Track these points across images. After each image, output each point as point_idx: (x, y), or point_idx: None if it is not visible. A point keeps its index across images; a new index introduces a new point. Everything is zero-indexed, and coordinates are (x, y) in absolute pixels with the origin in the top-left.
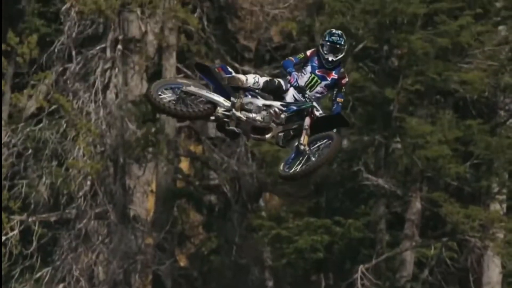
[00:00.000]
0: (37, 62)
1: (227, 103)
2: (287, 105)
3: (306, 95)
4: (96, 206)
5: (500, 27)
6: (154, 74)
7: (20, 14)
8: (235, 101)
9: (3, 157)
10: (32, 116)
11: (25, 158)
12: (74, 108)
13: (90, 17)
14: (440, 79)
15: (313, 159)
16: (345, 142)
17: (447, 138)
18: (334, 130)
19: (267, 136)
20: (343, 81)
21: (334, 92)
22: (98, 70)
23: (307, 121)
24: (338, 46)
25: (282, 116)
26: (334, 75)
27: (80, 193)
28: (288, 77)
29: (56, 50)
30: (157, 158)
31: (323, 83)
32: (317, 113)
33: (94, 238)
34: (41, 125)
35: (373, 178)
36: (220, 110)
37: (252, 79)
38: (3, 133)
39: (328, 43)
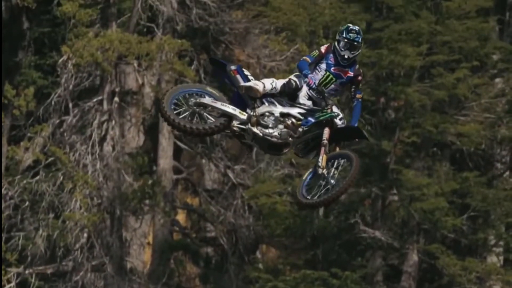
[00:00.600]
0: (33, 114)
1: (243, 116)
2: (305, 114)
3: (326, 95)
4: (93, 258)
5: (497, 80)
6: (151, 126)
7: (17, 66)
8: (251, 114)
9: None
10: (28, 169)
11: (22, 211)
12: (71, 160)
13: (87, 69)
14: (436, 131)
15: (333, 182)
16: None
17: (443, 190)
18: (350, 140)
19: (285, 151)
20: (359, 78)
21: (352, 89)
22: (95, 123)
23: (326, 133)
24: (355, 43)
25: (300, 129)
26: (350, 73)
27: (77, 245)
28: (306, 79)
29: (53, 102)
30: (153, 210)
31: (338, 81)
32: (337, 121)
33: None
34: (37, 177)
35: (370, 230)
36: (235, 123)
37: (269, 84)
38: None
39: (346, 40)
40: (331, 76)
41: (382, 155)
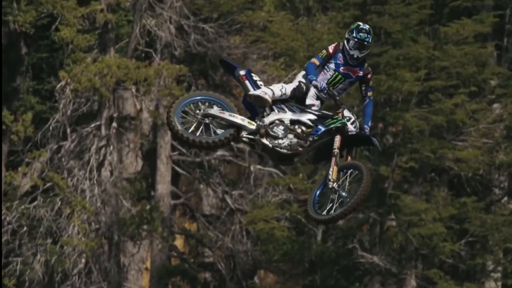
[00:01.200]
0: (32, 140)
1: (252, 126)
2: (316, 121)
3: (337, 98)
4: (91, 283)
5: (495, 105)
6: (149, 152)
7: (15, 92)
8: (260, 124)
9: None
10: (26, 194)
11: (20, 236)
12: (69, 185)
13: (85, 94)
14: (434, 156)
15: (344, 194)
16: (339, 220)
17: (441, 215)
18: (361, 146)
19: (296, 160)
20: (369, 76)
21: (362, 88)
22: (93, 148)
23: (337, 142)
24: (365, 43)
25: (310, 139)
26: (359, 72)
27: (75, 271)
28: (314, 83)
29: (51, 127)
30: (151, 235)
31: (347, 80)
32: (349, 126)
33: None
34: (35, 202)
35: (368, 255)
36: (244, 134)
37: (279, 91)
38: None
39: (356, 40)
40: (340, 76)
41: (380, 180)
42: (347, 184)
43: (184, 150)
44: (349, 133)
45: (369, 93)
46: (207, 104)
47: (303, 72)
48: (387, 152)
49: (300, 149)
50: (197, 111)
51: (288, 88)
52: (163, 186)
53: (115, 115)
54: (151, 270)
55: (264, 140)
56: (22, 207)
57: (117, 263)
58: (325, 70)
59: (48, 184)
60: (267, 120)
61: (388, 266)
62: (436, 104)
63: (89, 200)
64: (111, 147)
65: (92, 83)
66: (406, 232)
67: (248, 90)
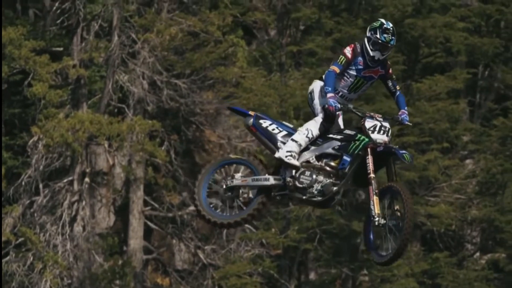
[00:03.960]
0: (4, 195)
1: (279, 182)
2: (340, 148)
3: (355, 111)
4: None
5: (467, 161)
6: (122, 207)
7: None
8: (287, 180)
9: None
10: None
11: None
12: (41, 240)
13: (57, 150)
14: None
15: (394, 222)
16: (312, 275)
17: (414, 271)
18: (394, 167)
19: (338, 198)
20: (390, 71)
21: (389, 84)
22: (65, 203)
23: (370, 165)
24: (389, 45)
25: (340, 173)
26: (381, 71)
27: None
28: (327, 107)
29: (23, 183)
30: None
31: (369, 82)
32: (376, 137)
33: None
34: (7, 258)
35: None
36: (275, 193)
37: (304, 138)
38: None
39: (380, 41)
40: (362, 80)
41: (353, 236)
42: (391, 212)
43: (156, 205)
44: (378, 148)
45: (397, 87)
46: (233, 167)
47: (318, 84)
48: (360, 207)
49: (335, 188)
50: (221, 186)
51: (315, 129)
52: (136, 241)
53: (87, 170)
54: None
55: (295, 195)
56: None
57: None
58: (345, 77)
59: (20, 239)
60: (286, 148)
61: None
62: None
63: (62, 255)
64: (84, 202)
65: (65, 139)
66: (379, 287)
67: (270, 149)
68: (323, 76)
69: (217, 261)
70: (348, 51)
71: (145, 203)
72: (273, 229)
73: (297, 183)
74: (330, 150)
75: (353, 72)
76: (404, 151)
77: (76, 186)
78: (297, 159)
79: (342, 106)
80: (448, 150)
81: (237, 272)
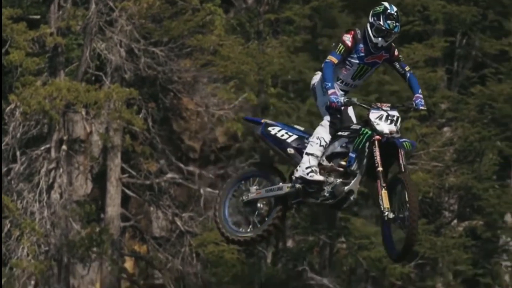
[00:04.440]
0: None
1: (292, 189)
2: (348, 144)
3: (358, 103)
4: None
5: (445, 129)
6: (99, 174)
7: None
8: (296, 187)
9: None
10: None
11: None
12: (18, 208)
13: (35, 117)
14: None
15: (401, 215)
16: (289, 243)
17: None
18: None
19: (353, 197)
20: (396, 53)
21: (397, 66)
22: (43, 170)
23: (377, 158)
24: (393, 32)
25: (348, 171)
26: (385, 55)
27: None
28: (328, 103)
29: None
30: (101, 257)
31: (374, 67)
32: (382, 127)
33: None
34: None
35: (318, 277)
36: (290, 201)
37: (319, 148)
38: None
39: (383, 28)
40: (365, 66)
41: None
42: (397, 203)
43: (134, 173)
44: (382, 140)
45: (406, 68)
46: (249, 182)
47: (319, 78)
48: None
49: (346, 188)
50: (239, 201)
51: (326, 135)
52: (113, 208)
53: (65, 138)
54: None
55: (310, 199)
56: None
57: (67, 285)
58: (347, 66)
59: None
60: (304, 165)
61: None
62: None
63: (39, 223)
64: (61, 169)
65: (42, 106)
66: (356, 254)
67: (274, 151)
68: (323, 65)
69: (195, 229)
70: (347, 38)
71: (123, 171)
72: None
73: (307, 188)
74: (339, 149)
75: (355, 60)
76: (404, 139)
77: (53, 153)
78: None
79: (346, 101)
80: (425, 118)
81: (215, 240)
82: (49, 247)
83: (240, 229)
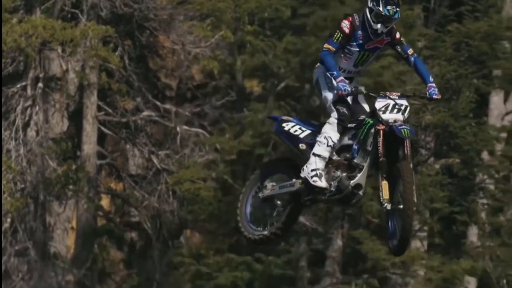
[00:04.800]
0: None
1: (303, 185)
2: (354, 136)
3: (365, 92)
4: (16, 243)
5: None
6: (75, 112)
7: None
8: (304, 183)
9: None
10: None
11: None
12: None
13: (10, 55)
14: None
15: (400, 206)
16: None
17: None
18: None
19: (356, 200)
20: (397, 36)
21: (399, 50)
22: (19, 108)
23: (380, 147)
24: (393, 18)
25: (353, 164)
26: (386, 39)
27: None
28: (335, 91)
29: None
30: (77, 195)
31: (376, 52)
32: (387, 117)
33: (14, 275)
34: None
35: None
36: (304, 198)
37: (326, 148)
38: None
39: (383, 14)
40: (367, 53)
41: None
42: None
43: (110, 110)
44: (386, 129)
45: (410, 51)
46: (271, 178)
47: (321, 71)
48: (314, 114)
49: (352, 182)
50: (257, 199)
51: (333, 134)
52: (89, 146)
53: (41, 75)
54: (77, 229)
55: (318, 196)
56: None
57: (43, 223)
58: (347, 55)
59: None
60: (310, 167)
61: (314, 226)
62: None
63: (15, 160)
64: (37, 107)
65: (18, 44)
66: None
67: (288, 148)
68: (320, 55)
69: (171, 166)
70: (345, 25)
71: (99, 108)
72: (227, 134)
73: (309, 190)
74: (347, 141)
75: (355, 48)
76: (403, 126)
77: (29, 91)
78: (324, 177)
79: (353, 89)
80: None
81: (191, 177)
82: (25, 185)
83: (258, 228)
